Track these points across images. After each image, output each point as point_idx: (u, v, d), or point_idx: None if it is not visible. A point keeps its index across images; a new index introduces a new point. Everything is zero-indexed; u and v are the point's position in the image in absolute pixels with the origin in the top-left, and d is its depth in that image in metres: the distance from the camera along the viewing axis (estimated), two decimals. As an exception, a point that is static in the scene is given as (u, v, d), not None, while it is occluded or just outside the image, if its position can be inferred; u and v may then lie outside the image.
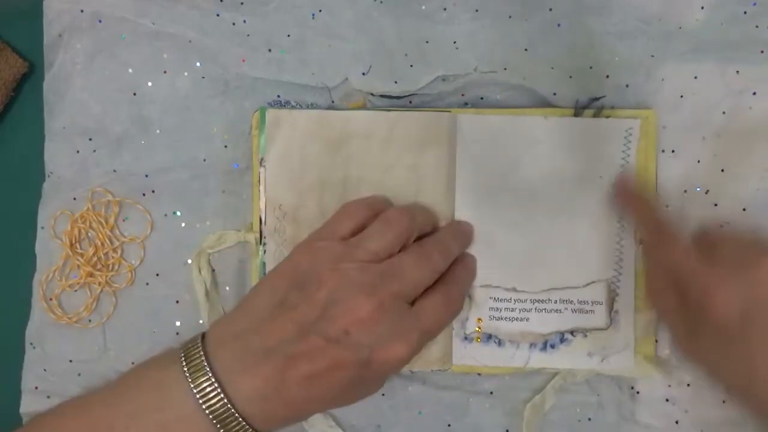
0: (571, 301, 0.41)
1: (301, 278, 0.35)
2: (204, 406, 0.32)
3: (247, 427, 0.33)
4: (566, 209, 0.41)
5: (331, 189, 0.40)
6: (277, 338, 0.33)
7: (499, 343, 0.41)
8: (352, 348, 0.33)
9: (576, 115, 0.40)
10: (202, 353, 0.33)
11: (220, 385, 0.32)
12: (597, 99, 0.41)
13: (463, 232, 0.40)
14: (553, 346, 0.41)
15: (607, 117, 0.40)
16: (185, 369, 0.33)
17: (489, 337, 0.41)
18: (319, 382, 0.33)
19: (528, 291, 0.41)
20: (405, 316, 0.35)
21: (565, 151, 0.40)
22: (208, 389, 0.32)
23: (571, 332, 0.41)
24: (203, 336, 0.35)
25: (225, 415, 0.32)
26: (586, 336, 0.41)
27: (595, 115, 0.40)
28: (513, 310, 0.41)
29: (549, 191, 0.41)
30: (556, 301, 0.41)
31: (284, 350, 0.33)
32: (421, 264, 0.36)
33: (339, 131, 0.40)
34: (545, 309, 0.41)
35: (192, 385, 0.33)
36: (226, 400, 0.32)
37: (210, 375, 0.33)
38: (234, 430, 0.33)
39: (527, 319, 0.41)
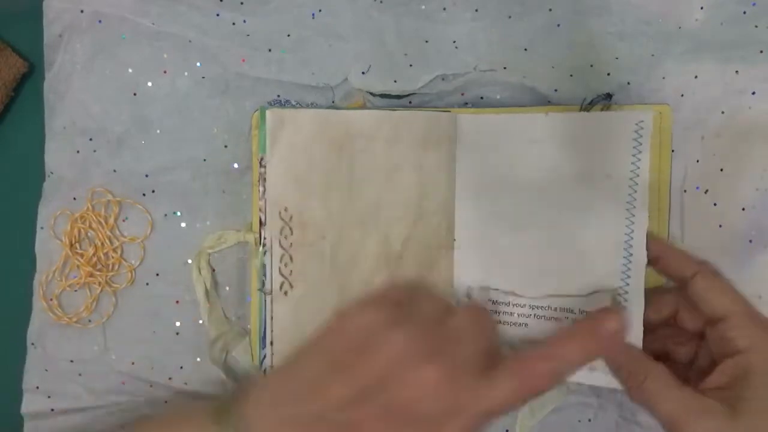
0: (572, 311, 0.39)
1: (358, 339, 0.31)
2: None
3: None
4: (569, 211, 0.39)
5: (337, 190, 0.40)
6: (330, 404, 0.30)
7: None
8: (412, 422, 0.30)
9: (583, 110, 0.39)
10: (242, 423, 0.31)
11: None
12: (608, 96, 0.40)
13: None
14: None
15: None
16: None
17: None
18: None
19: (527, 296, 0.40)
20: (471, 388, 0.30)
21: (568, 149, 0.39)
22: None
23: None
24: (241, 396, 0.32)
25: None
26: None
27: (604, 110, 0.39)
28: (512, 314, 0.40)
29: (551, 191, 0.39)
30: (555, 309, 0.39)
31: (337, 418, 0.30)
32: (481, 324, 0.32)
33: (344, 131, 0.39)
34: (544, 316, 0.39)
35: None
36: None
37: None
38: None
39: (526, 325, 0.40)
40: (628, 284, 0.38)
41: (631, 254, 0.38)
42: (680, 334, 0.38)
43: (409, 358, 0.30)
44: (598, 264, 0.39)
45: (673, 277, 0.37)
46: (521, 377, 0.31)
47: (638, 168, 0.38)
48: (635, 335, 0.38)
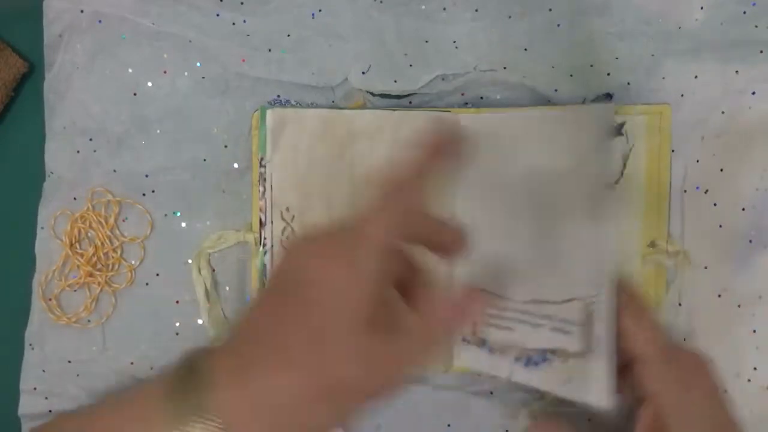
0: (551, 317, 0.37)
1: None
2: None
3: None
4: (557, 214, 0.38)
5: (339, 189, 0.39)
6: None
7: (490, 350, 0.39)
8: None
9: None
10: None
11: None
12: (608, 96, 0.40)
13: None
14: (536, 364, 0.37)
15: (615, 113, 0.39)
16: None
17: (483, 342, 0.39)
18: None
19: (513, 299, 0.38)
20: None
21: (565, 149, 0.38)
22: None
23: (553, 352, 0.37)
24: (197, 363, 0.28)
25: None
26: (565, 360, 0.37)
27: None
28: (501, 317, 0.39)
29: (546, 193, 0.39)
30: (537, 315, 0.37)
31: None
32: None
33: (345, 131, 0.39)
34: (529, 322, 0.38)
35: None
36: None
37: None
38: None
39: (512, 329, 0.38)
40: (600, 293, 0.35)
41: (606, 263, 0.36)
42: None
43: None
44: (575, 271, 0.37)
45: None
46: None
47: (621, 173, 0.38)
48: (608, 341, 0.35)
